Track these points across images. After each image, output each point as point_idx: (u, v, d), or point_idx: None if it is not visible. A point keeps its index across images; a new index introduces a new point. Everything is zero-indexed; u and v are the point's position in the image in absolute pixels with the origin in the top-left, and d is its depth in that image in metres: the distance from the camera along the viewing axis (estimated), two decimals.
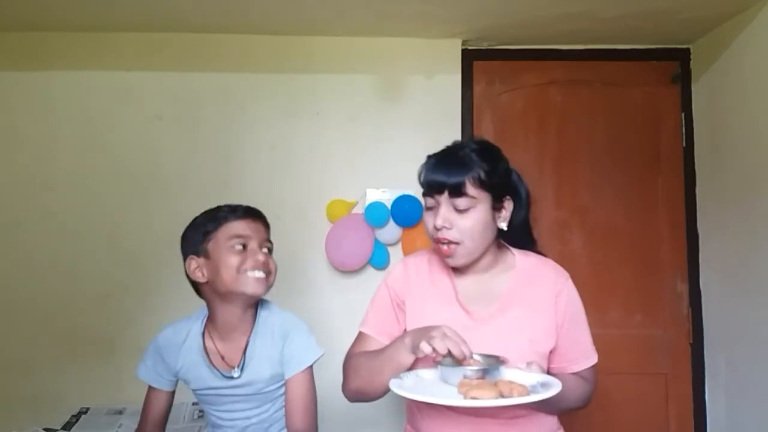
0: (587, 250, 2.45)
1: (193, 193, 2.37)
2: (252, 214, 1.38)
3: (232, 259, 1.31)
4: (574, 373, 1.30)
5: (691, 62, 2.50)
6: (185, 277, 2.36)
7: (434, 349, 1.10)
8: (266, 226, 1.41)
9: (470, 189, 1.22)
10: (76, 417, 2.10)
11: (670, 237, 2.47)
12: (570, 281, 1.32)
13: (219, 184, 2.38)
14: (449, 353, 1.10)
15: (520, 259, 1.34)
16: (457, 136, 2.41)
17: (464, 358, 1.11)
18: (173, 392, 1.45)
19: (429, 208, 1.27)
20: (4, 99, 2.38)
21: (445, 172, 1.23)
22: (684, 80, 2.50)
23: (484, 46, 2.51)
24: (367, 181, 2.38)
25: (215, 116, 2.41)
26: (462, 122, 2.45)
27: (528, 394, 1.05)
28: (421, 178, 1.29)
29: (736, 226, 2.19)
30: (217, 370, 1.36)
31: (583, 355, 1.31)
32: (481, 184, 1.23)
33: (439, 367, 1.16)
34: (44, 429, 1.91)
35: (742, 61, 2.16)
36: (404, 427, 1.41)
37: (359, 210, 2.35)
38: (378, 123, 2.42)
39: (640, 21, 2.22)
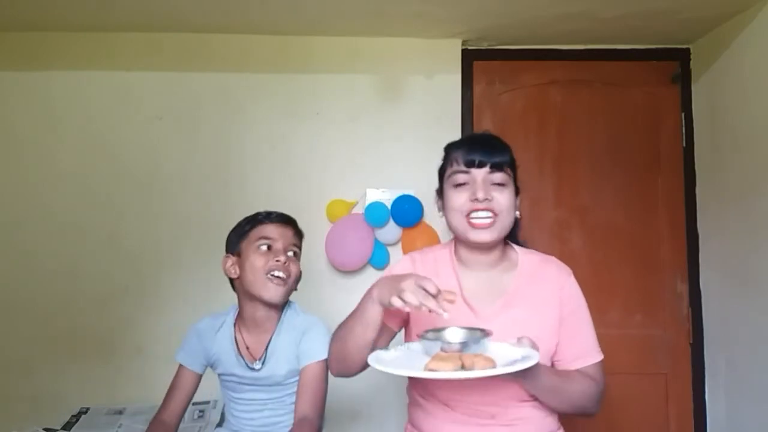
0: (587, 250, 2.45)
1: (193, 193, 2.37)
2: (283, 219, 1.50)
3: (257, 260, 1.43)
4: (578, 370, 1.28)
5: (691, 62, 2.50)
6: (185, 278, 2.38)
7: (406, 302, 1.09)
8: (297, 232, 1.52)
9: (507, 168, 1.28)
10: (76, 417, 2.11)
11: (670, 237, 2.47)
12: (572, 277, 1.33)
13: (219, 184, 2.38)
14: (423, 307, 1.08)
15: (523, 257, 1.35)
16: (457, 136, 2.40)
17: (437, 293, 1.08)
18: (200, 377, 1.52)
19: (460, 184, 1.27)
20: (4, 99, 2.38)
21: (487, 150, 1.27)
22: (684, 80, 2.50)
23: (484, 46, 2.51)
24: (367, 181, 2.38)
25: (215, 116, 2.41)
26: (462, 122, 2.45)
27: (493, 367, 1.02)
28: (458, 158, 1.28)
29: (736, 226, 2.19)
30: (243, 359, 1.45)
31: (587, 352, 1.29)
32: (511, 167, 1.30)
33: (421, 340, 1.16)
34: (44, 429, 1.91)
35: (742, 61, 2.16)
36: (405, 426, 1.41)
37: (359, 210, 2.35)
38: (378, 123, 2.42)
39: (640, 21, 2.22)
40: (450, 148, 1.34)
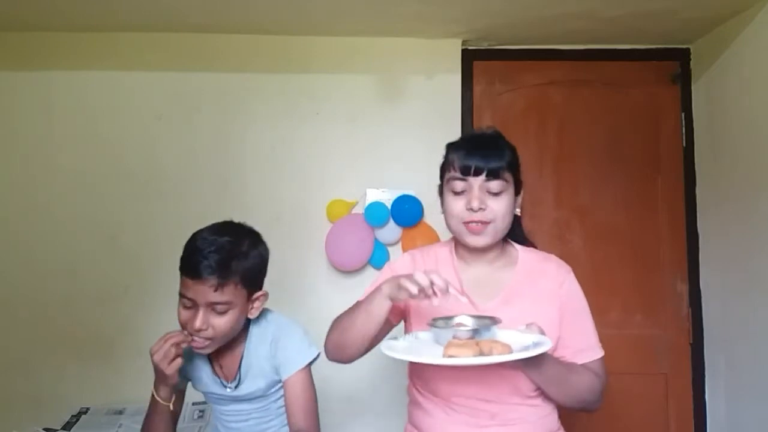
0: (587, 250, 2.45)
1: (193, 193, 2.37)
2: (207, 273, 1.23)
3: (181, 314, 1.30)
4: (582, 365, 1.29)
5: (691, 62, 2.50)
6: None
7: (420, 285, 1.10)
8: (220, 284, 1.24)
9: (505, 173, 1.27)
10: (76, 417, 2.11)
11: (670, 237, 2.47)
12: (572, 275, 1.34)
13: (219, 184, 2.38)
14: (432, 289, 1.11)
15: (523, 254, 1.36)
16: (457, 136, 2.36)
17: (445, 290, 1.11)
18: (184, 390, 1.47)
19: (458, 192, 1.28)
20: (4, 99, 2.38)
21: (483, 156, 1.26)
22: (684, 80, 2.50)
23: (484, 46, 2.51)
24: (367, 181, 2.38)
25: (215, 116, 2.41)
26: (462, 122, 2.45)
27: (510, 353, 1.04)
28: (454, 162, 1.28)
29: (736, 226, 2.19)
30: (219, 378, 1.39)
31: (589, 348, 1.30)
32: (510, 170, 1.28)
33: (431, 328, 1.18)
34: (44, 429, 1.91)
35: (742, 61, 2.16)
36: (405, 427, 1.41)
37: (359, 210, 2.35)
38: (378, 123, 2.42)
39: (640, 21, 2.22)
40: (450, 149, 1.34)
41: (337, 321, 1.32)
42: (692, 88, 2.49)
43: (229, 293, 1.26)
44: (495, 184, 1.26)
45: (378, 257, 2.32)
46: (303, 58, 2.43)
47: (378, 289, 1.20)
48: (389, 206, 2.31)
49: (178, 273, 2.40)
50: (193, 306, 1.26)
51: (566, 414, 1.35)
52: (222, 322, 1.27)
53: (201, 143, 2.40)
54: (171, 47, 2.40)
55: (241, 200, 2.35)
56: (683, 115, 2.50)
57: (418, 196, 2.31)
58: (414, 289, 1.11)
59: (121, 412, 2.14)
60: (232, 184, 2.38)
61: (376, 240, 2.32)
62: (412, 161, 2.39)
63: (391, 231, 2.32)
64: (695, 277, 2.44)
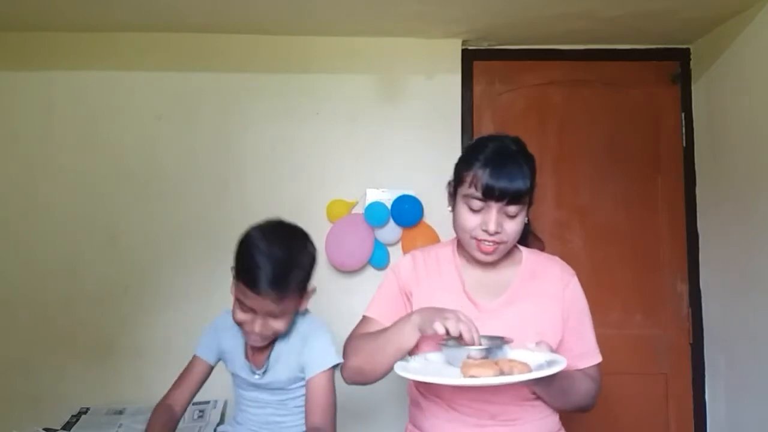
0: (587, 250, 2.45)
1: (193, 193, 2.37)
2: (268, 287, 1.26)
3: (237, 315, 1.34)
4: (580, 370, 1.30)
5: (691, 62, 2.50)
6: (185, 278, 2.38)
7: (447, 330, 1.12)
8: (280, 297, 1.28)
9: (525, 197, 1.24)
10: (76, 417, 2.11)
11: (670, 237, 2.47)
12: (575, 278, 1.35)
13: (219, 184, 2.38)
14: (459, 336, 1.12)
15: (526, 255, 1.37)
16: (457, 136, 2.41)
17: (473, 344, 1.12)
18: (211, 369, 1.50)
19: (475, 210, 1.25)
20: (4, 99, 2.38)
21: (508, 180, 1.22)
22: (684, 80, 2.50)
23: (484, 46, 2.51)
24: (367, 181, 2.38)
25: (215, 116, 2.41)
26: (462, 122, 2.45)
27: (530, 371, 1.05)
28: (476, 181, 1.23)
29: (736, 226, 2.19)
30: (249, 363, 1.43)
31: (589, 352, 1.32)
32: (529, 191, 1.25)
33: (443, 348, 1.17)
34: (44, 429, 1.91)
35: (742, 61, 2.16)
36: (405, 427, 1.42)
37: (359, 210, 2.35)
38: (378, 123, 2.42)
39: (640, 21, 2.22)
40: (473, 160, 1.26)
41: (356, 347, 1.31)
42: (692, 88, 2.49)
43: (288, 302, 1.32)
44: (513, 209, 1.23)
45: (378, 257, 2.32)
46: (303, 58, 2.43)
47: (408, 319, 1.21)
48: (389, 206, 2.30)
49: (177, 273, 2.41)
50: (251, 312, 1.31)
51: (566, 414, 1.35)
52: (280, 325, 1.34)
53: (201, 143, 2.40)
54: (171, 47, 2.40)
55: (241, 200, 2.35)
56: (683, 115, 2.50)
57: (418, 196, 2.31)
58: (441, 331, 1.12)
59: (121, 412, 2.14)
60: (232, 184, 2.38)
61: (376, 240, 2.32)
62: (412, 161, 2.39)
63: (391, 231, 2.32)
64: (695, 277, 2.44)
